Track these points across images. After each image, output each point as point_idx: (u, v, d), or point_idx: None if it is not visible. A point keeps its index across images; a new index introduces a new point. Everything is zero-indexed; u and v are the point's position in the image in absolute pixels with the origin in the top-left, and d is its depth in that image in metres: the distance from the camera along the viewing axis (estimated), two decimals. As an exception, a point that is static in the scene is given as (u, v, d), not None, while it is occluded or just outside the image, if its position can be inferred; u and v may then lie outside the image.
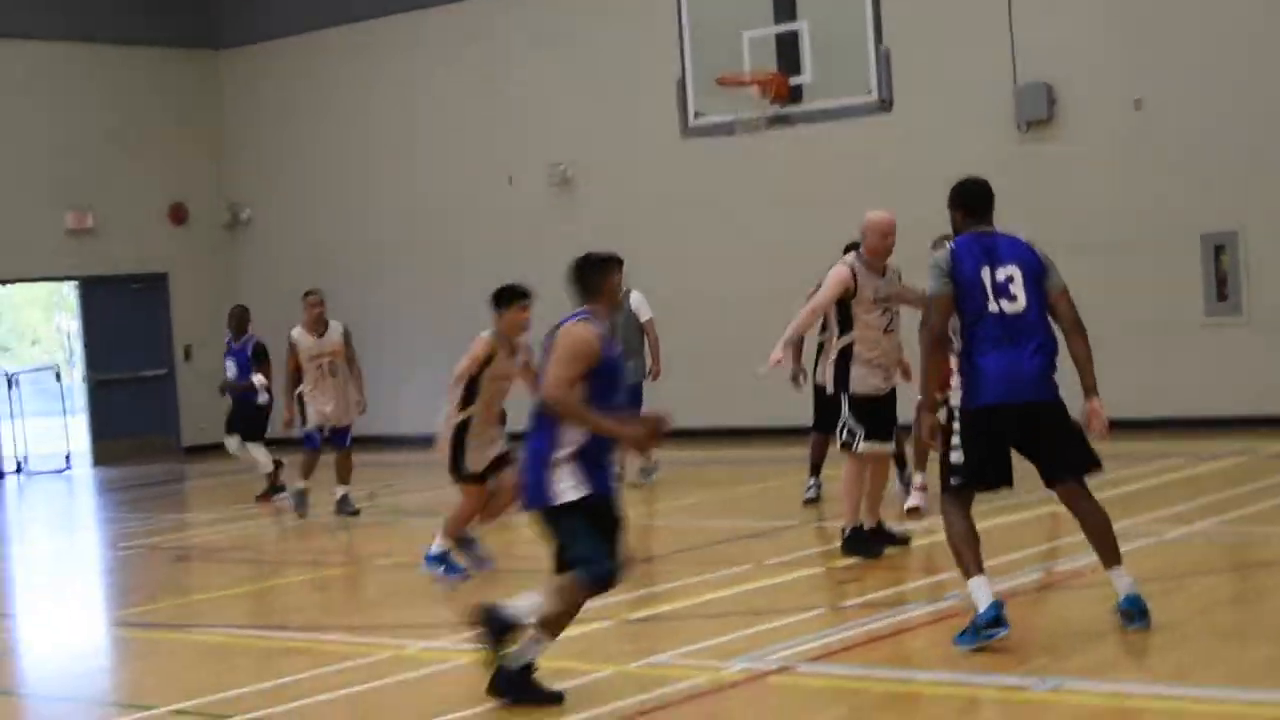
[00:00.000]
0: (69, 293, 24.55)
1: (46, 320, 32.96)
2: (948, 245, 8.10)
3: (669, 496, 14.46)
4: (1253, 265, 16.97)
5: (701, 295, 19.52)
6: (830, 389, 10.62)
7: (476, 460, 10.76)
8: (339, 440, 14.91)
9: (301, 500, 14.93)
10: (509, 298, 10.94)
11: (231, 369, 17.28)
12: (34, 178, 23.18)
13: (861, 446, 10.39)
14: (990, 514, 12.12)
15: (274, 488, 16.73)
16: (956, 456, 7.91)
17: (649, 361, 15.39)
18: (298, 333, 14.99)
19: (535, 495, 7.23)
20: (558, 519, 7.21)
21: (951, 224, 8.36)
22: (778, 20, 14.68)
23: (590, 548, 7.15)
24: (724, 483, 15.68)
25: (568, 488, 7.15)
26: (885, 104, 14.23)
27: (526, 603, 7.28)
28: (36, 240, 23.20)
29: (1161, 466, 14.15)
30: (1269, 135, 16.83)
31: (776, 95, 14.52)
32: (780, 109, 14.64)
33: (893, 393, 10.63)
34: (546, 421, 7.21)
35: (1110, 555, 8.00)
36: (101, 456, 23.56)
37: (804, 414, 13.38)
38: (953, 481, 7.94)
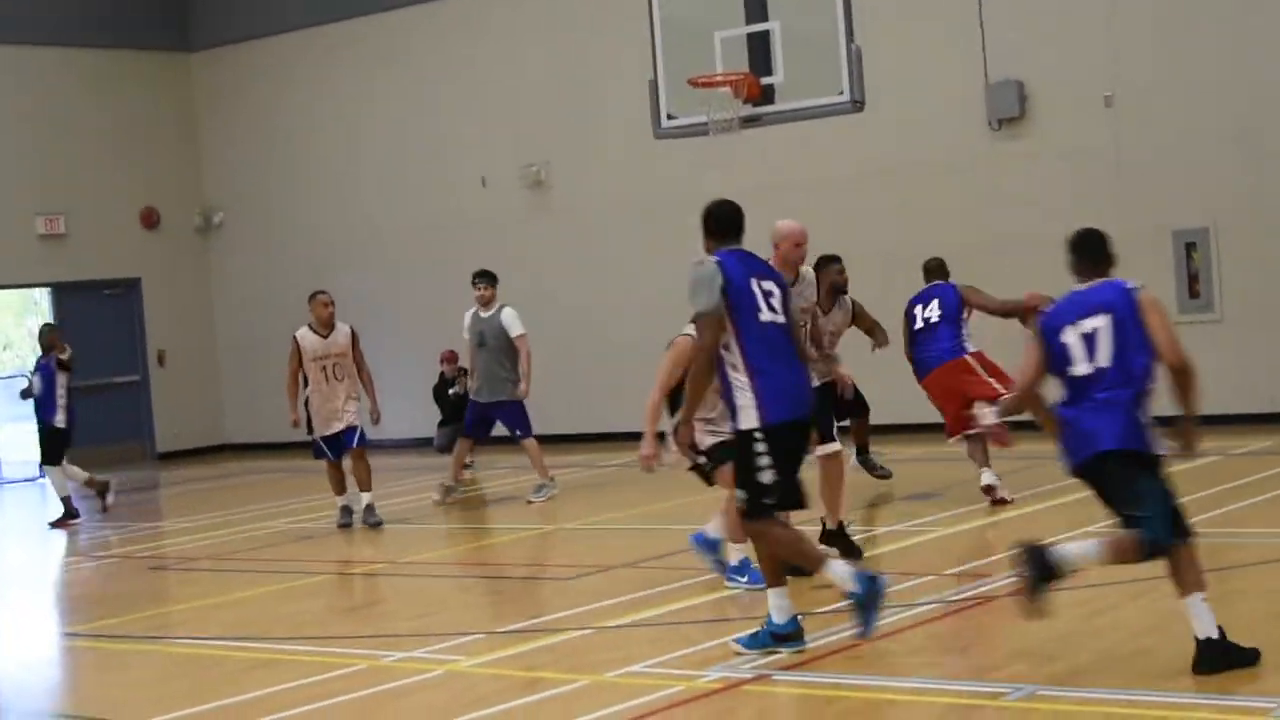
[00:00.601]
0: (41, 298, 24.45)
1: (18, 325, 32.74)
2: (711, 259, 8.01)
3: (641, 503, 14.45)
4: (1225, 262, 17.04)
5: (677, 297, 19.48)
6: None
7: None
8: (348, 440, 14.52)
9: (348, 514, 14.55)
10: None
11: (39, 385, 17.04)
12: (4, 183, 23.14)
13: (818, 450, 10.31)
14: (963, 519, 12.17)
15: (69, 513, 16.62)
16: (766, 477, 7.80)
17: (522, 381, 15.51)
18: (303, 333, 14.68)
19: (1132, 436, 7.07)
20: (1139, 470, 7.06)
21: (705, 249, 8.19)
22: (749, 21, 14.62)
23: (1160, 510, 7.02)
24: (693, 488, 15.67)
25: (1157, 442, 7.06)
26: (857, 103, 14.19)
27: (1076, 550, 7.08)
28: (7, 246, 23.16)
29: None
30: (1240, 130, 16.90)
31: (749, 95, 14.46)
32: (753, 109, 14.58)
33: (825, 388, 10.43)
34: (1148, 373, 7.15)
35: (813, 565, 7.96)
36: (74, 464, 23.38)
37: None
38: (766, 502, 7.85)
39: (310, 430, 14.64)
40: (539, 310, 20.44)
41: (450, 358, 19.66)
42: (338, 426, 14.50)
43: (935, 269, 14.11)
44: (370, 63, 23.04)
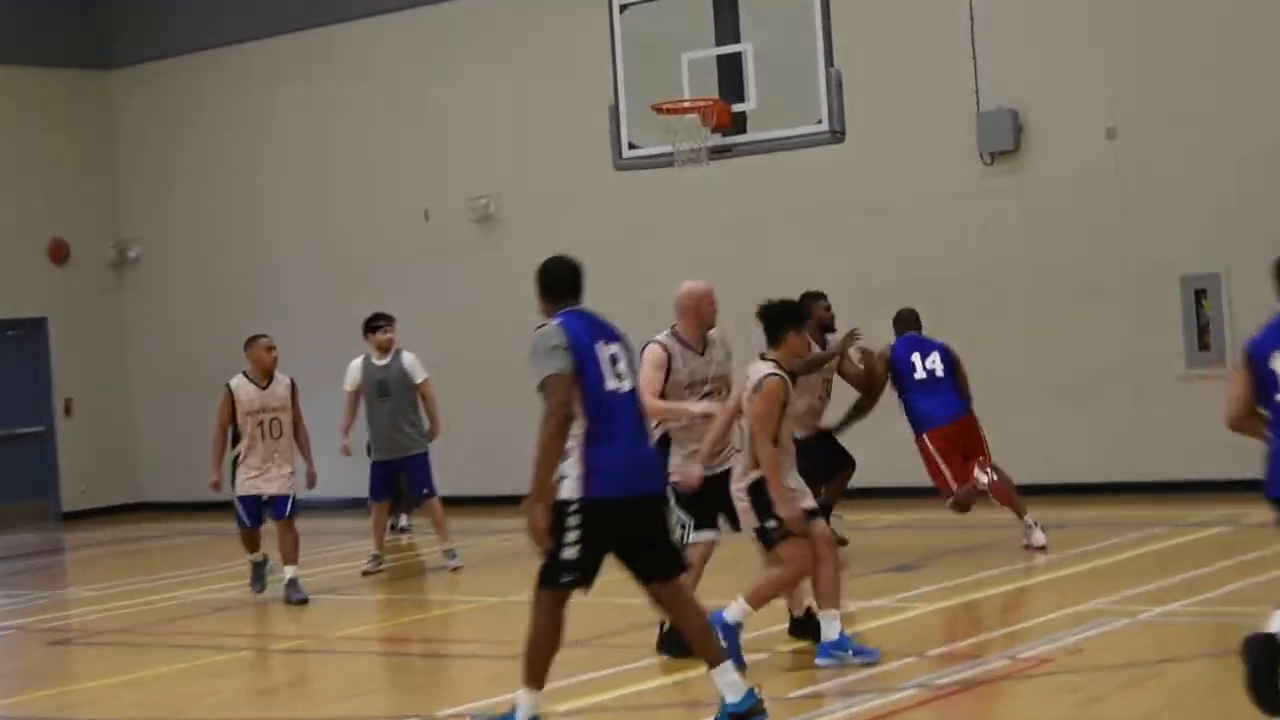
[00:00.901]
0: (-65, 339, 24.35)
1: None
2: (553, 321, 8.13)
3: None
4: (1237, 311, 17.06)
5: (638, 343, 19.53)
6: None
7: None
8: (278, 510, 14.16)
9: (258, 574, 14.35)
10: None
11: None
12: (-106, 210, 23.04)
13: (692, 536, 10.31)
14: (947, 594, 12.17)
15: None
16: (570, 553, 7.83)
17: (425, 425, 15.55)
18: (239, 382, 14.29)
19: None
20: None
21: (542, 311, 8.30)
22: (719, 41, 14.70)
23: None
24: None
25: None
26: (837, 133, 14.28)
27: None
28: (-103, 279, 23.07)
29: (1137, 537, 14.24)
30: (1255, 167, 16.97)
31: (718, 123, 14.54)
32: (722, 138, 14.66)
33: (724, 474, 10.25)
34: None
35: (714, 655, 8.02)
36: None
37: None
38: (563, 580, 7.90)
39: (234, 488, 14.33)
40: (485, 355, 20.46)
41: None
42: (267, 490, 14.20)
43: (910, 320, 14.41)
44: (306, 83, 23.06)
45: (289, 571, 14.21)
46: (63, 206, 24.41)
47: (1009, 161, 18.07)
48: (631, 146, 15.01)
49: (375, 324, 15.75)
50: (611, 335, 8.18)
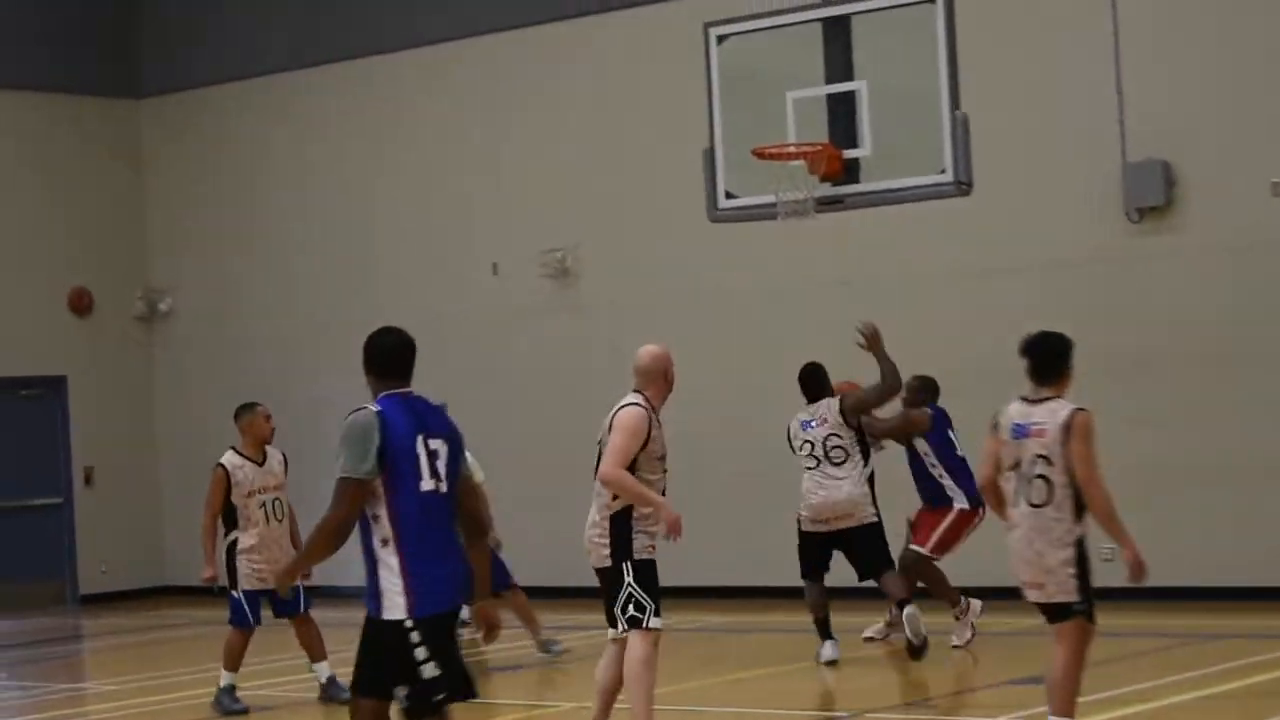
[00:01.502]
0: (-58, 398, 24.69)
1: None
2: (371, 407, 8.29)
3: (681, 675, 14.45)
4: None
5: (732, 421, 19.62)
6: (607, 561, 10.65)
7: None
8: (292, 605, 13.78)
9: (231, 698, 13.93)
10: None
11: None
12: (-99, 256, 23.44)
13: (653, 621, 10.51)
14: (1085, 711, 12.15)
15: None
16: (430, 671, 7.96)
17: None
18: (233, 459, 14.10)
19: None
20: None
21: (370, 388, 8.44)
22: (830, 80, 14.82)
23: None
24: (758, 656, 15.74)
25: None
26: (963, 184, 14.36)
27: None
28: (-98, 333, 23.42)
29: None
30: None
31: (828, 171, 14.66)
32: (832, 188, 14.77)
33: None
34: None
35: None
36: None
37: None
38: (437, 699, 8.06)
39: (233, 585, 13.96)
40: (561, 423, 20.54)
41: None
42: (275, 583, 13.61)
43: (936, 389, 15.36)
44: (355, 118, 23.32)
45: (324, 670, 14.06)
46: (86, 253, 24.75)
47: (1159, 219, 18.07)
48: (728, 195, 15.10)
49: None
50: (437, 427, 8.30)
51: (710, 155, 15.08)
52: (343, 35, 23.40)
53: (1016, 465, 9.76)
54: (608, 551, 10.53)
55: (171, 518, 24.90)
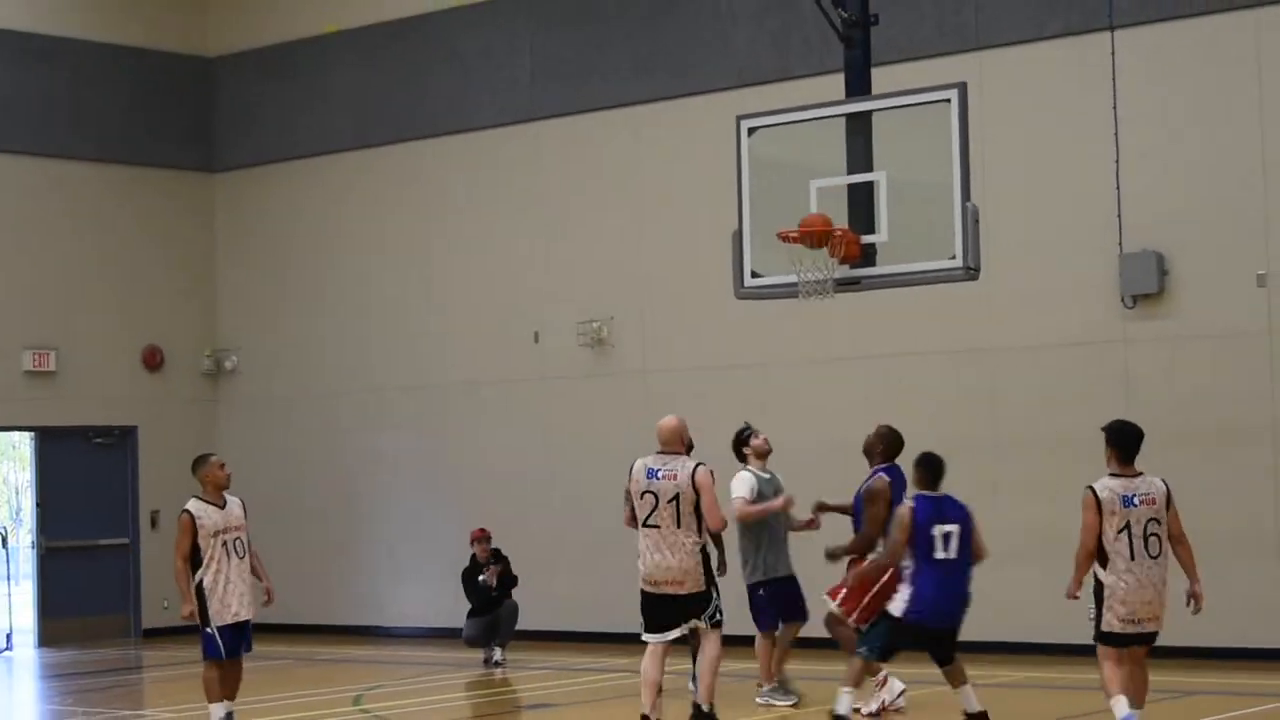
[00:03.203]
0: (21, 443, 24.83)
1: (-7, 472, 33.19)
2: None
3: None
4: (1392, 474, 17.06)
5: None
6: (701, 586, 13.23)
7: None
8: (248, 638, 14.23)
9: None
10: None
11: None
12: (-12, 310, 23.60)
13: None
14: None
15: None
16: None
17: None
18: (197, 505, 14.14)
19: None
20: None
21: None
22: (851, 169, 14.84)
23: None
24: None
25: None
26: (971, 270, 14.35)
27: None
28: (-12, 382, 23.59)
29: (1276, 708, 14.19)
30: None
31: (847, 254, 14.64)
32: (850, 270, 14.76)
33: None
34: None
35: None
36: (48, 636, 23.71)
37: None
38: None
39: (205, 622, 13.97)
40: (597, 483, 20.62)
41: (482, 536, 19.75)
42: (243, 616, 14.10)
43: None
44: (413, 195, 23.53)
45: (222, 711, 14.10)
46: (159, 313, 24.97)
47: (1152, 306, 18.15)
48: (754, 274, 15.12)
49: (746, 432, 15.71)
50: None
51: (739, 237, 15.11)
52: (402, 119, 23.62)
53: (1126, 528, 11.85)
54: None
55: (230, 560, 24.95)
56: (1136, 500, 11.94)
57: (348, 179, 24.20)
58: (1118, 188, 18.16)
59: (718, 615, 13.53)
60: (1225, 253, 17.83)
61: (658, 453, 13.67)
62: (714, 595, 13.56)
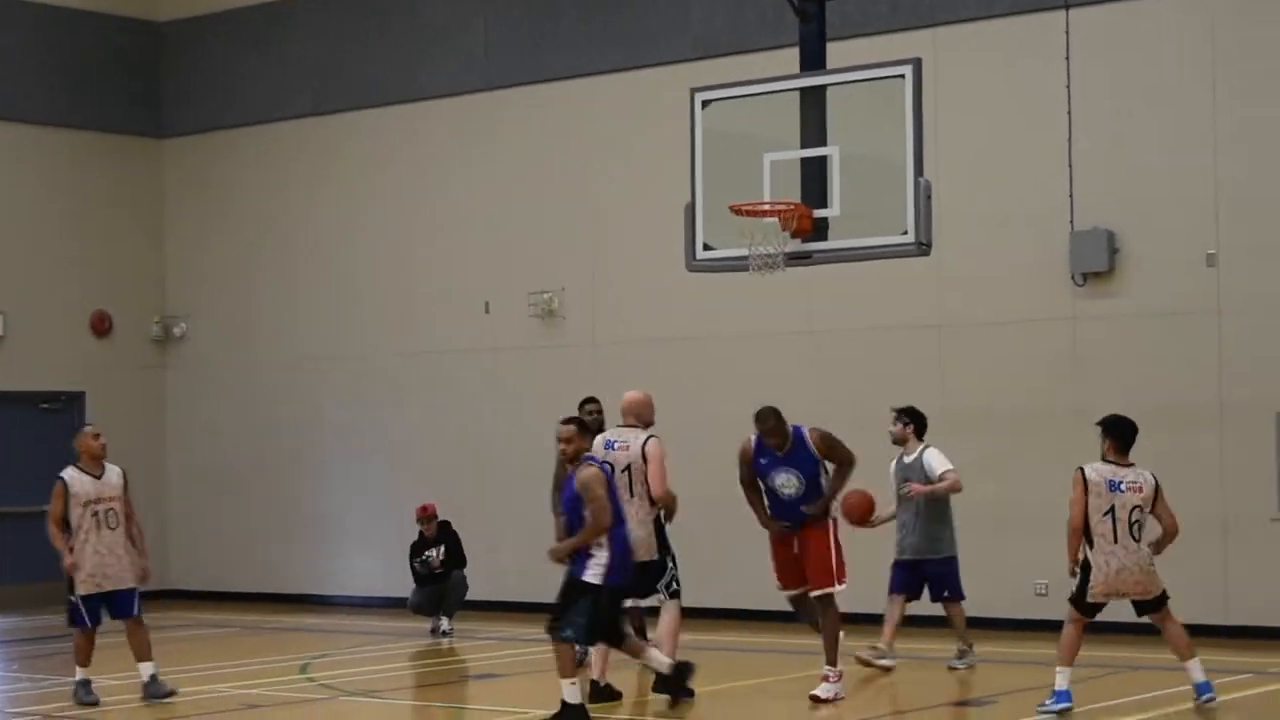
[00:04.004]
0: (-33, 408, 24.64)
1: (-62, 437, 32.76)
2: None
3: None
4: (1338, 453, 17.13)
5: (707, 444, 19.64)
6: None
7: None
8: (124, 608, 14.43)
9: (86, 690, 14.35)
10: None
11: None
12: (-68, 275, 23.37)
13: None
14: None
15: None
16: None
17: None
18: (71, 473, 14.38)
19: None
20: None
21: None
22: (805, 144, 14.79)
23: None
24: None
25: None
26: (923, 245, 14.32)
27: None
28: (-69, 348, 23.38)
29: (1223, 683, 14.21)
30: (1361, 303, 17.06)
31: (799, 229, 14.60)
32: (802, 244, 14.72)
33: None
34: None
35: None
36: (-3, 601, 23.54)
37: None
38: None
39: (70, 590, 14.30)
40: (543, 456, 20.54)
41: (426, 515, 19.49)
42: (109, 586, 14.30)
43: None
44: (361, 164, 23.37)
45: (148, 669, 14.45)
46: (108, 278, 24.76)
47: (1102, 284, 18.16)
48: (706, 247, 15.07)
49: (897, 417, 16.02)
50: None
51: (691, 210, 15.05)
52: (355, 87, 23.45)
53: (1110, 511, 12.57)
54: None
55: (176, 526, 24.89)
56: (1123, 486, 12.60)
57: (297, 146, 24.02)
58: (1070, 165, 18.16)
59: (674, 585, 13.72)
60: (1175, 232, 17.86)
61: (618, 425, 13.95)
62: (669, 564, 13.72)
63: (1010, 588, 17.94)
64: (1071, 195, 18.14)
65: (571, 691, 12.37)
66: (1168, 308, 17.84)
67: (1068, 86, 18.15)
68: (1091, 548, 12.62)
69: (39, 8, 24.20)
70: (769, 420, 13.52)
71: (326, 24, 23.81)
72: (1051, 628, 15.29)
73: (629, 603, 13.60)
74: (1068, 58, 18.16)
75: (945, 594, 15.65)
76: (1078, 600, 12.76)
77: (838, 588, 13.56)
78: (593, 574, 12.36)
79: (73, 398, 24.53)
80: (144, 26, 25.29)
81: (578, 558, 12.43)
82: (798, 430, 13.55)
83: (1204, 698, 12.70)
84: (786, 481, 13.44)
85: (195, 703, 14.55)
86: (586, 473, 12.48)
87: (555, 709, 12.33)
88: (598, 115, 21.42)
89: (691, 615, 15.33)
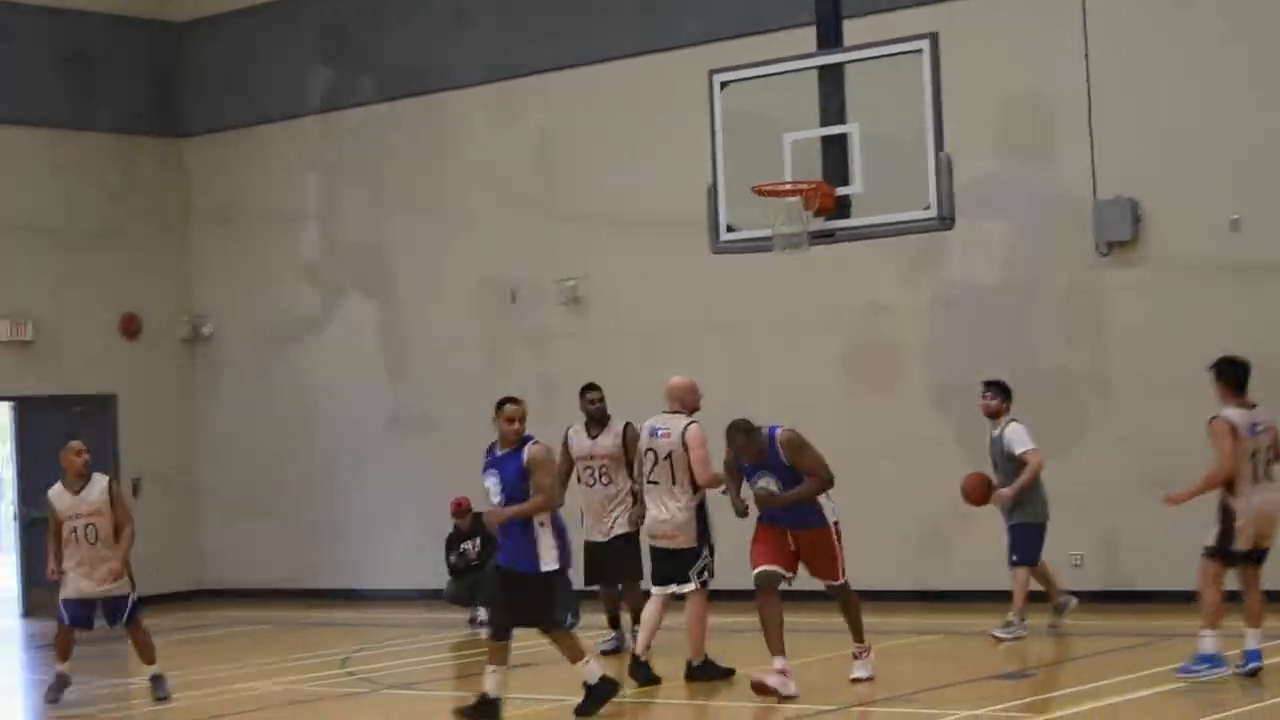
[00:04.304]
0: (1, 413, 24.71)
1: (-26, 443, 32.97)
2: None
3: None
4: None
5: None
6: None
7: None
8: (115, 615, 14.94)
9: (59, 685, 14.96)
10: None
11: None
12: (-37, 281, 23.42)
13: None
14: (1048, 706, 12.11)
15: None
16: None
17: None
18: (54, 490, 14.92)
19: None
20: None
21: None
22: (824, 123, 14.78)
23: None
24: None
25: None
26: (945, 220, 14.32)
27: None
28: (-37, 353, 23.40)
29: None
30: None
31: (821, 207, 14.61)
32: (825, 223, 14.71)
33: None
34: None
35: None
36: (33, 606, 23.56)
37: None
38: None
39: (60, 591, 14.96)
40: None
41: (461, 509, 19.41)
42: (91, 592, 14.78)
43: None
44: (390, 155, 23.37)
45: (150, 671, 14.93)
46: (137, 280, 24.79)
47: (1126, 253, 18.10)
48: (729, 229, 15.07)
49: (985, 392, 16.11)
50: None
51: (713, 192, 15.05)
52: (370, 80, 23.46)
53: (1252, 455, 12.62)
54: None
55: (209, 526, 24.95)
56: (1259, 428, 12.80)
57: (318, 140, 24.04)
58: (1091, 135, 18.09)
59: (705, 574, 13.69)
60: (1199, 199, 17.78)
61: (663, 412, 13.88)
62: (705, 553, 13.67)
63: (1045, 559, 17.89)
64: (1093, 164, 18.07)
65: (591, 671, 12.38)
66: (1193, 276, 17.76)
67: (1085, 55, 18.07)
68: (1234, 495, 12.64)
69: (54, 13, 24.23)
70: (737, 439, 13.09)
71: (343, 17, 23.80)
72: (1087, 599, 15.37)
73: (655, 589, 13.63)
74: (1084, 25, 18.08)
75: (1012, 558, 15.63)
76: (1222, 550, 12.71)
77: (843, 579, 13.45)
78: (548, 562, 12.25)
79: (104, 400, 24.56)
80: (161, 26, 25.33)
81: (519, 550, 12.22)
82: (771, 432, 13.15)
83: (1249, 665, 12.56)
84: (769, 483, 13.27)
85: (239, 699, 14.60)
86: (540, 449, 12.46)
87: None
88: (618, 100, 21.38)
89: (724, 597, 15.32)
